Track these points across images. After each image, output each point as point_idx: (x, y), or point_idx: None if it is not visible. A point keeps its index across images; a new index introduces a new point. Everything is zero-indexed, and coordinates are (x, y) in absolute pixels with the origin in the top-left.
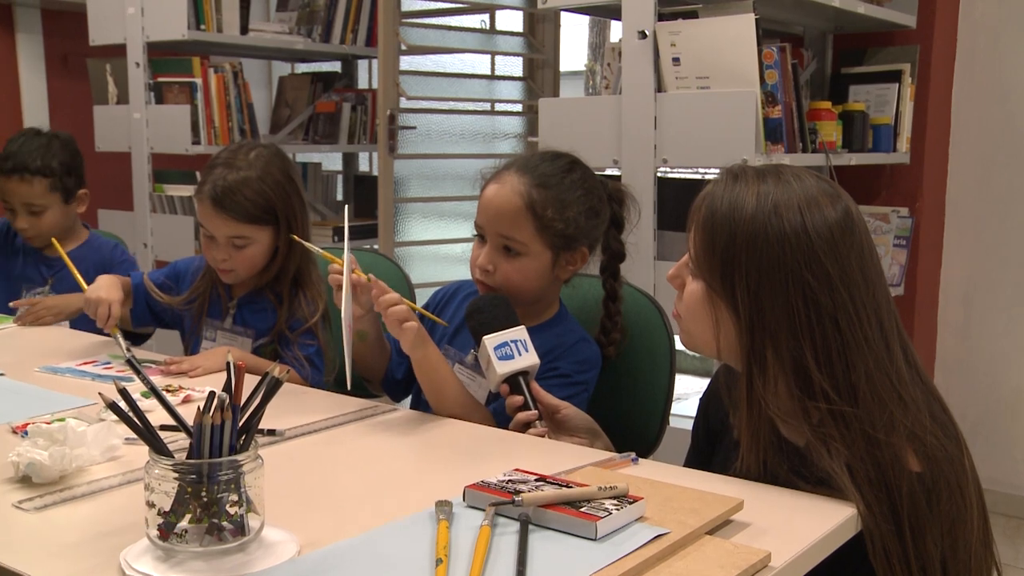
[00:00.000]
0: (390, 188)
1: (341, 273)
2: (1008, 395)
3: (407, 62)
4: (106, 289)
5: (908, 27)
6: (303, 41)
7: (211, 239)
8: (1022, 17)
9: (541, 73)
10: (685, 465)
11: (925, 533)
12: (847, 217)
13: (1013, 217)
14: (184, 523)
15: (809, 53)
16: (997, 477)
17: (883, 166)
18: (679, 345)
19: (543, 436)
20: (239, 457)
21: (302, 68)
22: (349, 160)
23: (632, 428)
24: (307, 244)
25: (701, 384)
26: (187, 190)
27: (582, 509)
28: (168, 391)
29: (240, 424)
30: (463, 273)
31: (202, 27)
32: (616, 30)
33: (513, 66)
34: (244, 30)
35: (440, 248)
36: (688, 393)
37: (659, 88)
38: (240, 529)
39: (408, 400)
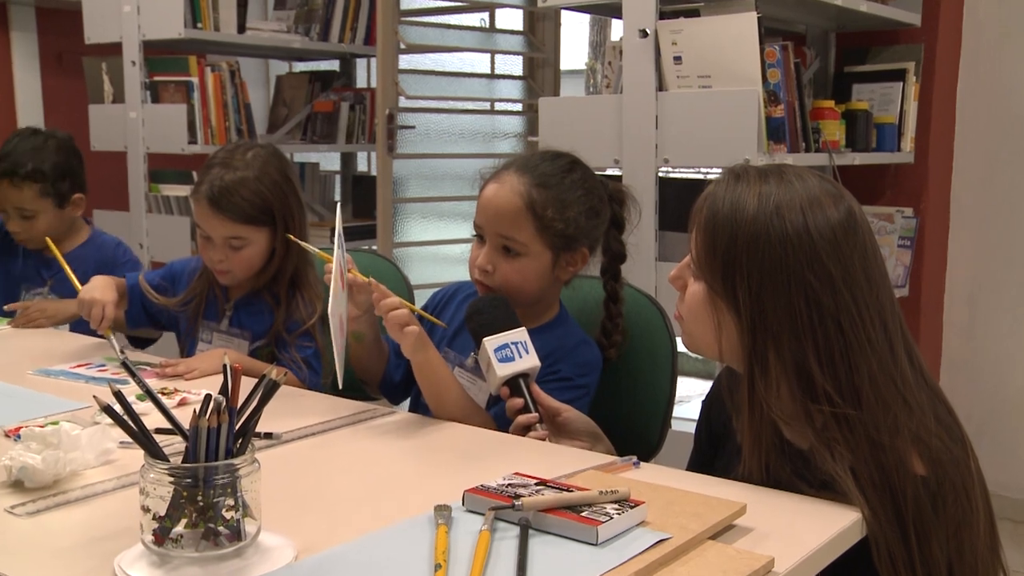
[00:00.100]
0: (389, 188)
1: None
2: (1014, 396)
3: (406, 61)
4: (100, 290)
5: (912, 25)
6: (301, 40)
7: (207, 240)
8: None
9: (541, 72)
10: (687, 469)
11: (931, 538)
12: (850, 217)
13: (1019, 217)
14: (180, 528)
15: (812, 51)
16: (1004, 481)
17: (887, 166)
18: (681, 347)
19: (543, 439)
20: (235, 461)
21: (300, 67)
22: (347, 160)
23: (633, 431)
24: (304, 244)
25: (703, 386)
26: (183, 190)
27: (583, 513)
28: (164, 394)
29: (237, 427)
30: (462, 274)
31: (199, 25)
32: (617, 28)
33: (513, 65)
34: (241, 29)
35: (439, 249)
36: (690, 396)
37: (660, 87)
38: (236, 534)
39: (407, 403)
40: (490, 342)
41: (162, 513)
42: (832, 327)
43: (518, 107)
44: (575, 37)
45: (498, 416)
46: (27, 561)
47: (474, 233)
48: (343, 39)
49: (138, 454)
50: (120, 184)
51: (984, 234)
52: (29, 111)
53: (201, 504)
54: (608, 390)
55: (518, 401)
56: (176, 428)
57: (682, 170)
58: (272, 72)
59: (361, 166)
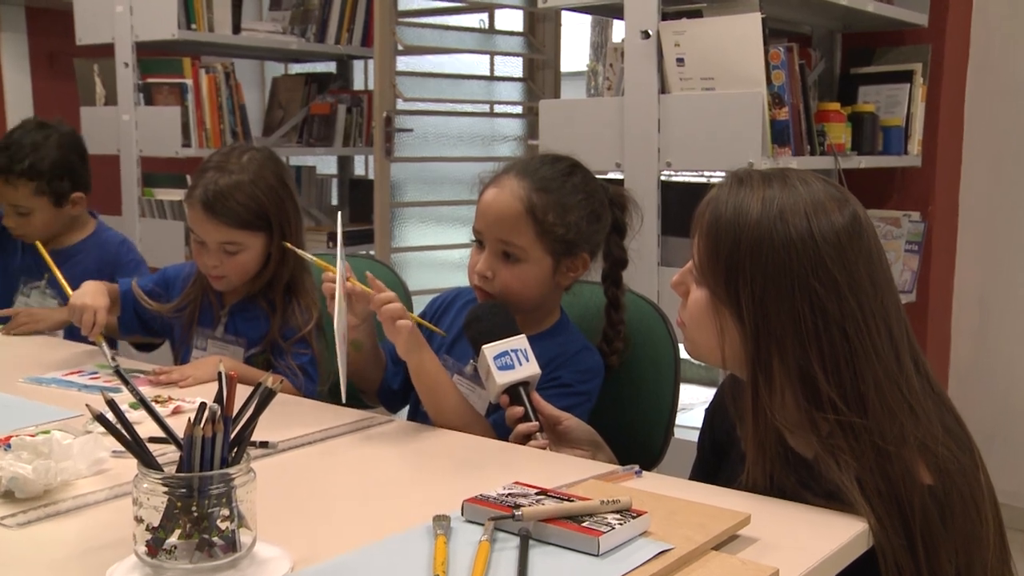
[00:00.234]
0: (386, 192)
1: (334, 282)
2: None
3: (404, 63)
4: (91, 295)
5: (920, 26)
6: (297, 41)
7: (202, 245)
8: None
9: (541, 74)
10: (690, 478)
11: (939, 549)
12: (855, 222)
13: None
14: (173, 539)
15: (817, 53)
16: (1014, 491)
17: (894, 169)
18: (684, 354)
19: (544, 448)
20: (230, 470)
21: (296, 69)
22: (344, 163)
23: (636, 440)
24: (301, 252)
25: (707, 394)
26: (177, 194)
27: (584, 524)
28: (157, 402)
29: (232, 436)
30: (461, 280)
31: (193, 26)
32: (619, 29)
33: (513, 67)
34: (236, 29)
35: (438, 254)
36: (693, 403)
37: (663, 89)
38: (231, 545)
39: (405, 412)
40: (489, 350)
41: (156, 524)
42: (837, 334)
43: (518, 109)
44: (576, 38)
45: (497, 424)
46: (17, 573)
47: (473, 238)
48: (340, 40)
49: (131, 464)
50: (113, 188)
51: (993, 238)
52: (19, 114)
53: (195, 515)
54: (610, 398)
55: (518, 410)
56: (170, 437)
57: (685, 174)
58: (268, 74)
59: (358, 170)
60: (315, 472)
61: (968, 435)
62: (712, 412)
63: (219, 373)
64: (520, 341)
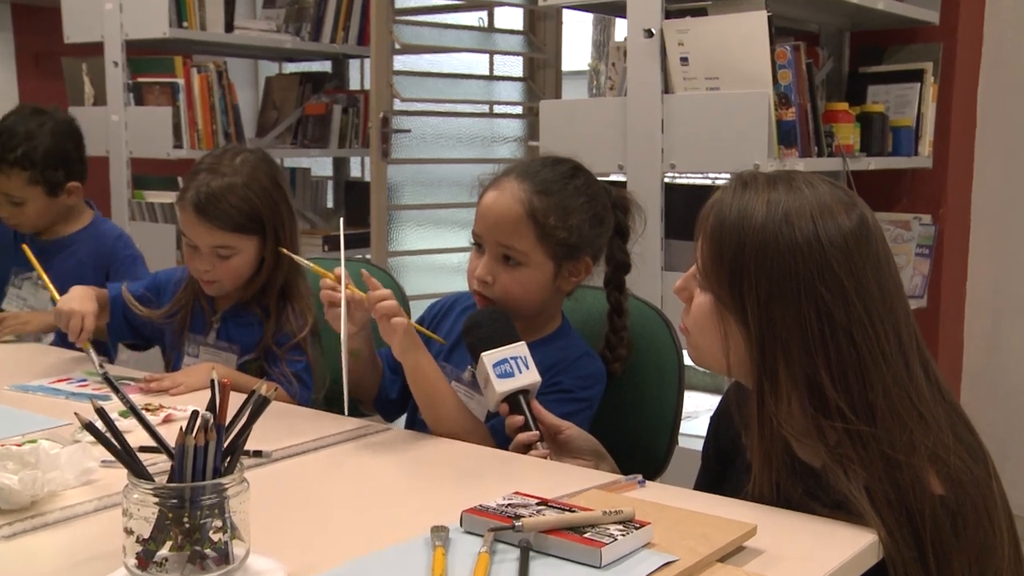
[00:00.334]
0: (383, 195)
1: (333, 289)
2: None
3: (401, 62)
4: (79, 300)
5: (930, 23)
6: (291, 40)
7: (194, 249)
8: None
9: (542, 73)
10: (695, 487)
11: (951, 560)
12: (862, 226)
13: None
14: (164, 551)
15: (825, 52)
16: None
17: (904, 171)
18: (688, 361)
19: (545, 458)
20: (223, 480)
21: (290, 68)
22: (340, 165)
23: (639, 448)
24: (296, 258)
25: (712, 402)
26: (168, 197)
27: (586, 535)
28: (148, 410)
29: (225, 445)
30: (460, 284)
31: (184, 24)
32: (621, 28)
33: (513, 66)
34: (229, 28)
35: (436, 258)
36: (698, 411)
37: (666, 89)
38: (224, 557)
39: (402, 420)
40: (488, 357)
41: (146, 535)
42: (844, 340)
43: (518, 110)
44: (577, 37)
45: (496, 429)
46: None
47: (472, 242)
48: (335, 39)
49: (121, 474)
50: (102, 190)
51: (1007, 241)
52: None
53: (187, 526)
54: (613, 405)
55: (518, 419)
56: (161, 446)
57: (689, 176)
58: (261, 73)
59: (354, 171)
60: (310, 482)
61: (980, 444)
62: (717, 420)
63: (212, 380)
64: (520, 348)
